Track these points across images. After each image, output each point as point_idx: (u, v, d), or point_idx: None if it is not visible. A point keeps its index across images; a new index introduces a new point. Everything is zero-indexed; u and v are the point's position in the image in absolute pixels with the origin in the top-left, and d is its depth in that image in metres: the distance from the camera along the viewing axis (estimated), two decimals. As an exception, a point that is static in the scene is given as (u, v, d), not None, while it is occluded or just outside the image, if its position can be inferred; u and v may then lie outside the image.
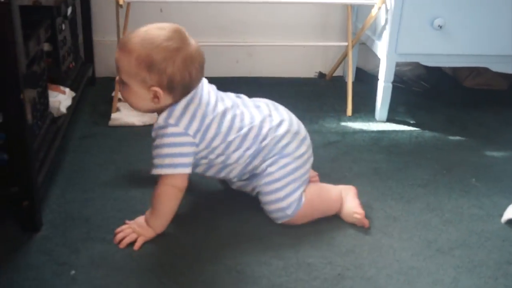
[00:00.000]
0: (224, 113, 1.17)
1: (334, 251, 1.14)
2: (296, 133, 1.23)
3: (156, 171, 1.13)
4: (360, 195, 1.29)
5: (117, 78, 1.15)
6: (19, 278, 1.02)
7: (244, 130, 1.17)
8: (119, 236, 1.13)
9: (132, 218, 1.18)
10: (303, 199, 1.20)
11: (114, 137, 1.57)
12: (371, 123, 1.74)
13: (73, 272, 1.05)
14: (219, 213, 1.25)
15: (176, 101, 1.13)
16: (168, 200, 1.15)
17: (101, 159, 1.46)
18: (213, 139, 1.15)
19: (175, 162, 1.12)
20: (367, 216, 1.22)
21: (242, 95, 1.27)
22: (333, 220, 1.23)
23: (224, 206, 1.27)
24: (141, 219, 1.16)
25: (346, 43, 1.89)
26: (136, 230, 1.14)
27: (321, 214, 1.24)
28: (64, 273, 1.04)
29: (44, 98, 1.34)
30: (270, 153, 1.20)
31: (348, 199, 1.25)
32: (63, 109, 1.48)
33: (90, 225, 1.18)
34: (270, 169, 1.19)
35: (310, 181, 1.27)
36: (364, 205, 1.25)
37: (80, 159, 1.45)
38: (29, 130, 1.06)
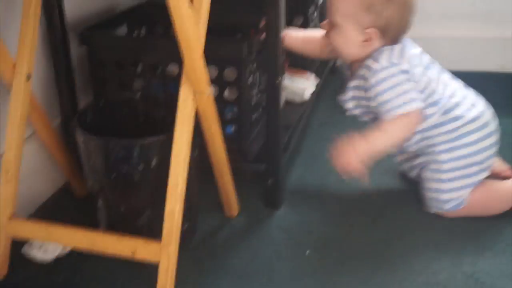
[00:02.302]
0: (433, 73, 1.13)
1: None
2: (486, 123, 1.14)
3: (395, 113, 1.06)
4: None
5: (325, 21, 1.13)
6: (259, 250, 1.10)
7: (439, 91, 1.12)
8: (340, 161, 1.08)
9: (370, 204, 1.19)
10: (466, 200, 1.13)
11: (352, 126, 1.56)
12: None
13: (308, 251, 1.09)
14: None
15: (382, 46, 1.10)
16: (404, 128, 1.09)
17: (338, 146, 1.48)
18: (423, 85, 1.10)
19: (413, 97, 1.06)
20: None
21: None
22: None
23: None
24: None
25: None
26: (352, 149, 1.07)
27: (481, 215, 1.16)
28: (299, 251, 1.09)
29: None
30: (449, 135, 1.12)
31: None
32: (308, 95, 1.54)
33: (325, 209, 1.22)
34: (442, 157, 1.13)
35: (497, 175, 1.21)
36: None
37: (318, 145, 1.49)
38: (281, 113, 1.13)
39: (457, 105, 1.13)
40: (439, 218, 1.17)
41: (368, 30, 1.08)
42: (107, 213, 1.04)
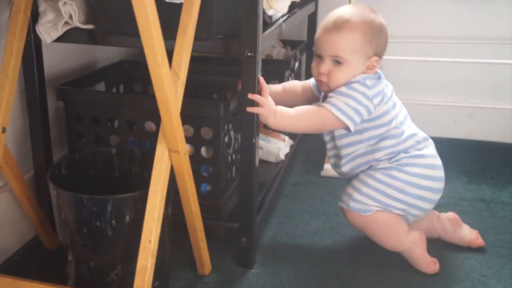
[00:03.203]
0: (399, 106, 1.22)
1: None
2: (434, 166, 1.20)
3: (327, 107, 1.13)
4: None
5: (323, 67, 1.16)
6: (231, 310, 1.09)
7: (403, 128, 1.19)
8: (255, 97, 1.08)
9: (343, 265, 1.18)
10: (369, 214, 1.17)
11: (325, 188, 1.60)
12: None
13: (279, 313, 1.08)
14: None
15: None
16: (315, 125, 1.15)
17: (312, 207, 1.49)
18: (382, 115, 1.17)
19: (348, 113, 1.13)
20: None
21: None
22: None
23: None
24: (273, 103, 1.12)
25: None
26: (267, 107, 1.09)
27: (374, 239, 1.22)
28: (271, 313, 1.08)
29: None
30: (396, 158, 1.18)
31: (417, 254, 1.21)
32: (282, 156, 1.56)
33: (298, 270, 1.21)
34: (378, 175, 1.17)
35: (468, 244, 1.27)
36: None
37: (293, 205, 1.50)
38: (256, 173, 1.14)
39: (419, 141, 1.21)
40: (412, 279, 1.18)
41: (373, 58, 1.17)
42: (77, 268, 1.02)
